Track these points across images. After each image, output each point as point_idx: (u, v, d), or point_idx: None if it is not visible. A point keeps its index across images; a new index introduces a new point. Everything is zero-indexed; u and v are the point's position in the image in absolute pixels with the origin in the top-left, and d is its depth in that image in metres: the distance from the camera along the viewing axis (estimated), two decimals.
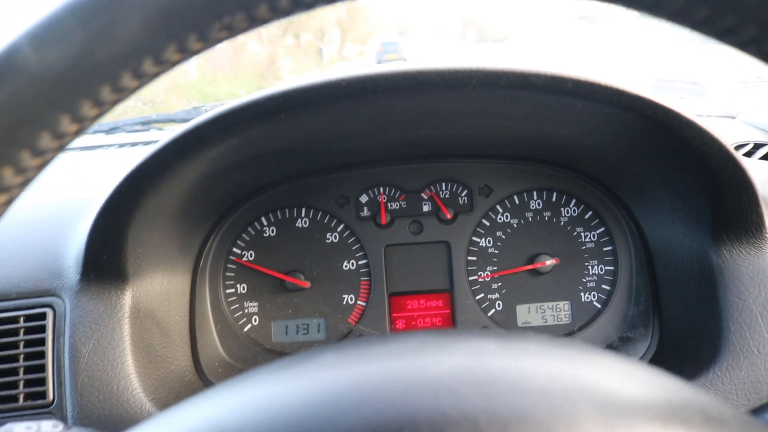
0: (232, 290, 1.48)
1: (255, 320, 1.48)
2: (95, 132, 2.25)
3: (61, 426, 0.75)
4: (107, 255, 1.16)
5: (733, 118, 1.91)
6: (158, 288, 1.27)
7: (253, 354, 1.45)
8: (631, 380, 0.46)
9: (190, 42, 0.44)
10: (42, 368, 1.15)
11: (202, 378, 1.34)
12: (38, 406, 1.13)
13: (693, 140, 1.08)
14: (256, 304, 1.49)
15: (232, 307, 1.48)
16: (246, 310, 1.48)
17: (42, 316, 1.17)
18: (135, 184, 1.09)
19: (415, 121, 1.27)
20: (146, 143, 2.00)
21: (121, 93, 0.45)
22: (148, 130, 2.22)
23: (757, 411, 1.07)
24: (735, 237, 1.17)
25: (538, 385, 0.42)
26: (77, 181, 1.56)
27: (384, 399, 0.41)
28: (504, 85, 1.02)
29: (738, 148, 1.67)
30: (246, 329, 1.48)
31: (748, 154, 1.63)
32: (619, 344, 1.41)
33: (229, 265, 1.49)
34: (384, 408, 0.40)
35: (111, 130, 2.23)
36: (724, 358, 1.12)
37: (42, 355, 1.15)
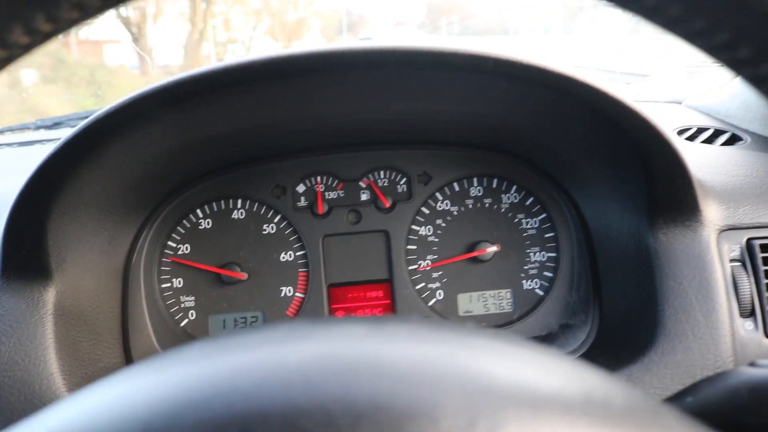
0: (168, 285, 1.45)
1: (192, 315, 1.45)
2: (37, 127, 2.19)
3: None
4: (26, 250, 1.12)
5: (679, 103, 1.91)
6: (86, 283, 1.23)
7: None
8: (507, 364, 0.44)
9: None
10: None
11: None
12: None
13: (625, 122, 1.07)
14: (192, 298, 1.45)
15: (168, 302, 1.44)
16: (182, 305, 1.45)
17: None
18: (48, 176, 1.05)
19: (343, 103, 1.25)
20: None
21: None
22: None
23: (683, 393, 1.07)
24: (671, 220, 1.17)
25: (400, 372, 0.40)
26: (8, 178, 1.52)
27: (235, 392, 0.39)
28: (424, 65, 1.00)
29: (681, 132, 1.67)
30: (183, 324, 1.44)
31: (691, 138, 1.63)
32: (559, 331, 1.40)
33: (164, 259, 1.45)
34: (234, 402, 0.38)
35: (54, 125, 2.18)
36: (660, 343, 1.12)
37: None
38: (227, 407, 0.38)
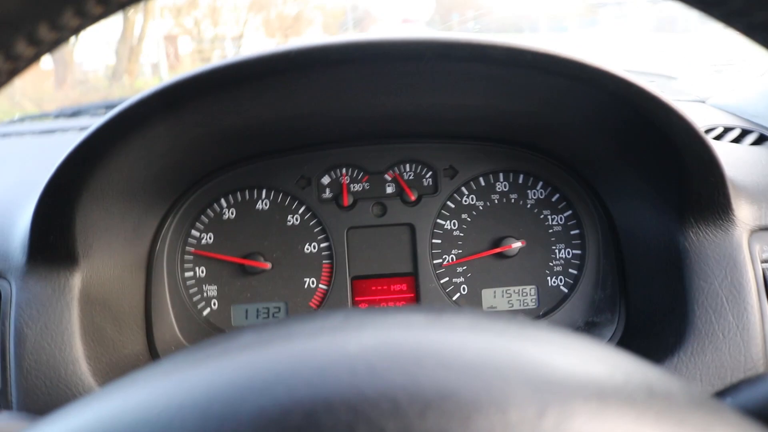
0: (191, 273, 1.44)
1: (214, 304, 1.44)
2: (57, 116, 2.19)
3: None
4: (54, 236, 1.11)
5: (703, 102, 1.89)
6: (111, 270, 1.23)
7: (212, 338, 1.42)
8: (571, 356, 0.43)
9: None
10: None
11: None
12: None
13: (659, 118, 1.06)
14: (215, 287, 1.45)
15: (191, 291, 1.44)
16: (205, 294, 1.45)
17: None
18: (78, 163, 1.05)
19: (372, 96, 1.23)
20: None
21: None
22: None
23: (719, 394, 1.05)
24: (702, 219, 1.15)
25: (466, 361, 0.39)
26: (31, 165, 1.51)
27: (297, 379, 0.38)
28: (461, 58, 0.99)
29: (708, 131, 1.65)
30: (205, 313, 1.44)
31: (718, 138, 1.61)
32: (584, 329, 1.39)
33: (187, 248, 1.45)
34: (296, 388, 0.37)
35: (74, 114, 2.18)
36: (689, 343, 1.11)
37: None
38: (290, 394, 0.37)
